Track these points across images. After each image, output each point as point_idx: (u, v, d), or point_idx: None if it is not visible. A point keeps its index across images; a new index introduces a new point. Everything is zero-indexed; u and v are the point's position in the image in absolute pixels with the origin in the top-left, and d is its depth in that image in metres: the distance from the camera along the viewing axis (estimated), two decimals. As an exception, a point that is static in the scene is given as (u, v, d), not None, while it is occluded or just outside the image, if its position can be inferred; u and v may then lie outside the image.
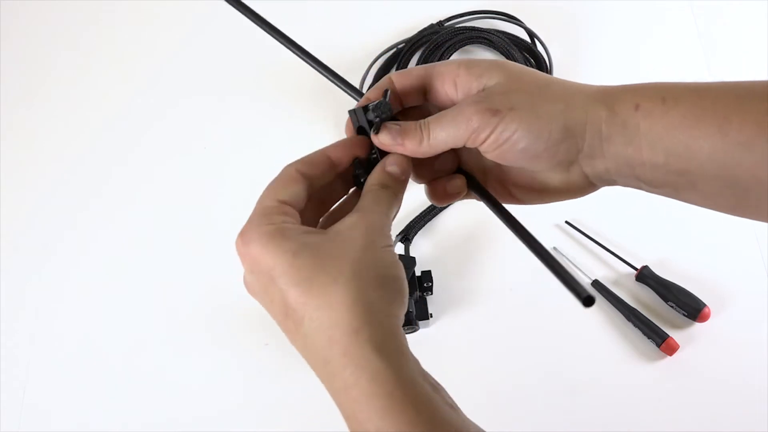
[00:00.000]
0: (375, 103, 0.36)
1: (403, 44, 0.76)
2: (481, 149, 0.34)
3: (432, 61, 0.72)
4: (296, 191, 0.34)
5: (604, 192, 0.73)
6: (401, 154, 0.36)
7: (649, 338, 0.60)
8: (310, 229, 0.33)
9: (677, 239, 0.66)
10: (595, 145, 0.33)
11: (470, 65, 0.35)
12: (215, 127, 0.75)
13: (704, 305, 0.60)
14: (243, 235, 0.33)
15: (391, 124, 0.36)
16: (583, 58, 0.77)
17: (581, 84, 0.34)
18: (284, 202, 0.34)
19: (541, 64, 0.74)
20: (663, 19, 0.79)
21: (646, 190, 0.35)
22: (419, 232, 0.67)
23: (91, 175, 0.73)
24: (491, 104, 0.33)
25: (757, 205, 0.31)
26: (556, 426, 0.59)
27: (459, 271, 0.65)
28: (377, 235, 0.32)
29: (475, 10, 0.78)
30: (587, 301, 0.30)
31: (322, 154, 0.36)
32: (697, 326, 0.61)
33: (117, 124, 0.75)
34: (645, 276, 0.63)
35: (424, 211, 0.67)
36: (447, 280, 0.64)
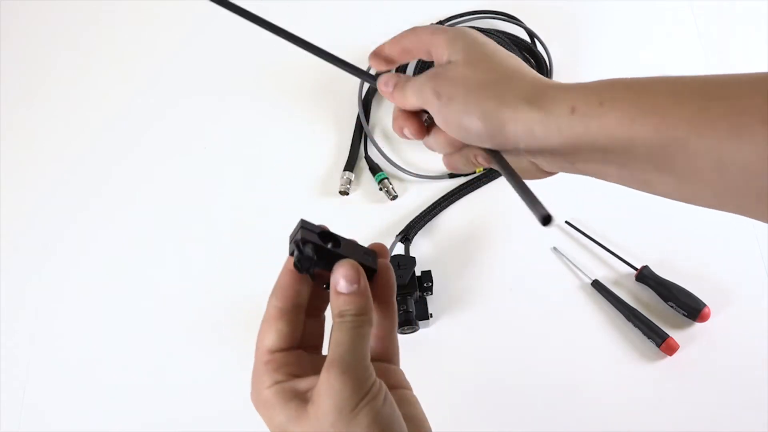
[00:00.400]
0: (296, 259, 0.34)
1: (403, 44, 0.76)
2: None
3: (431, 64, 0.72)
4: (281, 330, 0.34)
5: (604, 192, 0.73)
6: (345, 264, 0.33)
7: (649, 338, 0.60)
8: (298, 391, 0.33)
9: (677, 239, 0.66)
10: (531, 144, 0.35)
11: (436, 33, 0.38)
12: (215, 127, 0.75)
13: (704, 305, 0.60)
14: (251, 393, 0.36)
15: (389, 76, 0.40)
16: (583, 58, 0.77)
17: (526, 76, 0.36)
18: (272, 351, 0.34)
19: (541, 64, 0.74)
20: (663, 19, 0.79)
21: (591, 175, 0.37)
22: (419, 232, 0.67)
23: (91, 175, 0.73)
24: (438, 86, 0.36)
25: (695, 193, 0.32)
26: (556, 426, 0.59)
27: (459, 271, 0.65)
28: (346, 401, 0.30)
29: (475, 10, 0.78)
30: (545, 220, 0.33)
31: (287, 272, 0.35)
32: (697, 326, 0.61)
33: (117, 124, 0.75)
34: (645, 276, 0.63)
35: (424, 211, 0.67)
36: (447, 280, 0.64)
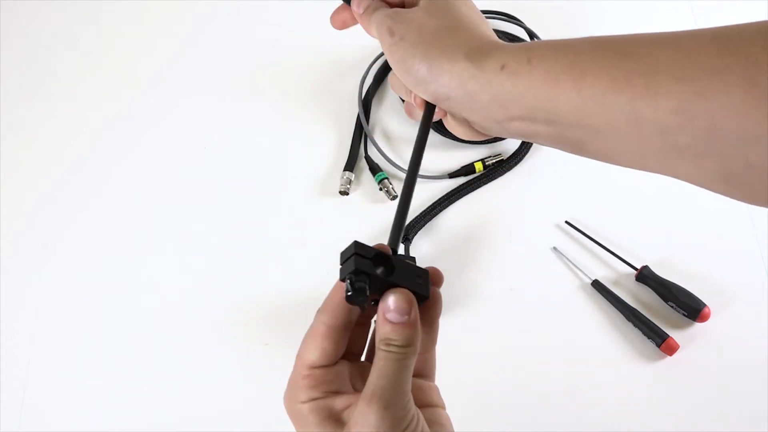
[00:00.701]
0: (347, 292, 0.32)
1: (403, 44, 0.76)
2: None
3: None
4: (325, 349, 0.33)
5: (605, 192, 0.73)
6: (398, 293, 0.32)
7: (649, 338, 0.60)
8: (334, 411, 0.33)
9: (677, 239, 0.66)
10: (461, 97, 0.36)
11: None
12: (215, 127, 0.75)
13: (704, 305, 0.60)
14: (285, 397, 0.34)
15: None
16: (583, 58, 0.77)
17: (474, 30, 0.38)
18: (313, 367, 0.33)
19: (541, 64, 0.74)
20: (663, 19, 0.79)
21: (525, 139, 0.38)
22: (419, 232, 0.67)
23: (91, 175, 0.73)
24: (394, 25, 0.38)
25: (621, 152, 0.32)
26: (555, 426, 0.59)
27: (459, 271, 0.65)
28: None
29: (475, 10, 0.78)
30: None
31: (341, 288, 0.34)
32: (697, 326, 0.61)
33: (117, 124, 0.75)
34: (645, 276, 0.63)
35: (424, 210, 0.67)
36: (447, 280, 0.64)
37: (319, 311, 0.34)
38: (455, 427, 0.58)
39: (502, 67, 0.34)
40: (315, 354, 0.33)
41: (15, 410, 0.61)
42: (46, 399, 0.62)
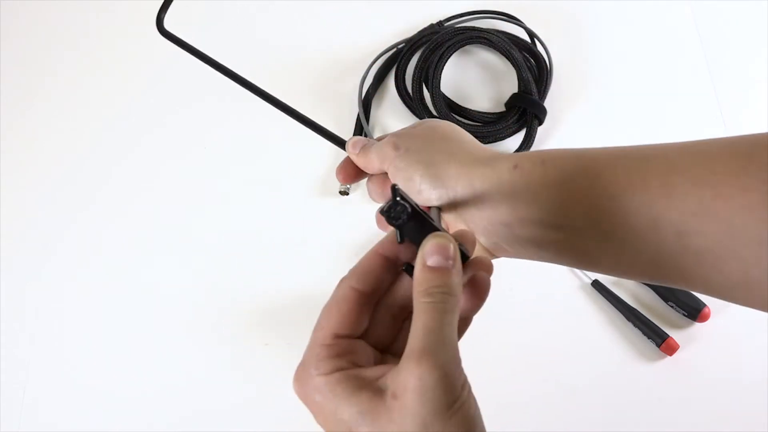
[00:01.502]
0: (387, 205, 0.30)
1: (403, 44, 0.76)
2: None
3: (431, 61, 0.72)
4: (352, 314, 0.30)
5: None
6: (439, 236, 0.29)
7: (649, 338, 0.60)
8: (367, 380, 0.28)
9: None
10: (468, 201, 0.35)
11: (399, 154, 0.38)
12: (215, 127, 0.75)
13: (704, 305, 0.60)
14: (296, 381, 0.30)
15: (358, 139, 0.42)
16: (583, 58, 0.77)
17: (480, 145, 0.38)
18: (339, 336, 0.30)
19: (541, 64, 0.74)
20: (663, 19, 0.79)
21: (527, 256, 0.36)
22: (419, 232, 0.67)
23: (91, 175, 0.73)
24: (399, 140, 0.38)
25: (633, 260, 0.31)
26: (555, 426, 0.59)
27: (459, 271, 0.65)
28: (440, 400, 0.26)
29: (475, 10, 0.78)
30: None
31: (375, 255, 0.31)
32: (697, 326, 0.61)
33: (117, 124, 0.75)
34: (645, 276, 0.63)
35: (424, 211, 0.67)
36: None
37: (344, 279, 0.31)
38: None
39: (515, 167, 0.33)
40: (340, 320, 0.30)
41: (15, 410, 0.61)
42: (46, 399, 0.62)
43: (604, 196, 0.31)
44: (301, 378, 0.30)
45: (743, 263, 0.28)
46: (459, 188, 0.35)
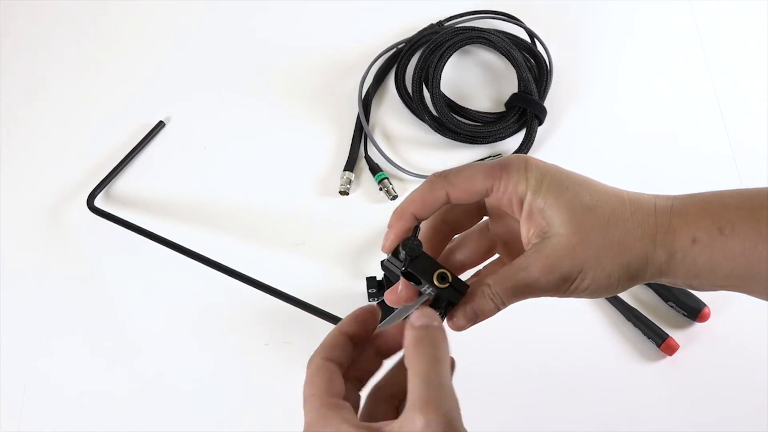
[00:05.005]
0: (408, 242, 0.34)
1: (403, 44, 0.76)
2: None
3: (431, 61, 0.72)
4: (343, 352, 0.34)
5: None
6: (424, 310, 0.33)
7: (649, 338, 0.60)
8: (373, 429, 0.30)
9: (677, 239, 0.66)
10: (654, 277, 0.35)
11: (535, 195, 0.34)
12: (215, 127, 0.75)
13: (704, 305, 0.60)
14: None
15: (463, 308, 0.37)
16: (583, 58, 0.77)
17: (636, 208, 0.34)
18: (335, 395, 0.33)
19: (541, 64, 0.74)
20: (663, 19, 0.79)
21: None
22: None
23: (91, 175, 0.73)
24: (562, 271, 0.34)
25: None
26: (555, 426, 0.59)
27: (459, 271, 0.65)
28: None
29: (475, 10, 0.78)
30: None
31: (338, 334, 0.34)
32: (697, 326, 0.61)
33: (117, 123, 0.75)
34: (645, 276, 0.63)
35: (424, 211, 0.67)
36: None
37: (315, 353, 0.34)
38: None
39: (693, 241, 0.33)
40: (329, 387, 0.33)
41: (15, 410, 0.61)
42: (46, 399, 0.62)
43: None
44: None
45: None
46: (648, 275, 0.35)
